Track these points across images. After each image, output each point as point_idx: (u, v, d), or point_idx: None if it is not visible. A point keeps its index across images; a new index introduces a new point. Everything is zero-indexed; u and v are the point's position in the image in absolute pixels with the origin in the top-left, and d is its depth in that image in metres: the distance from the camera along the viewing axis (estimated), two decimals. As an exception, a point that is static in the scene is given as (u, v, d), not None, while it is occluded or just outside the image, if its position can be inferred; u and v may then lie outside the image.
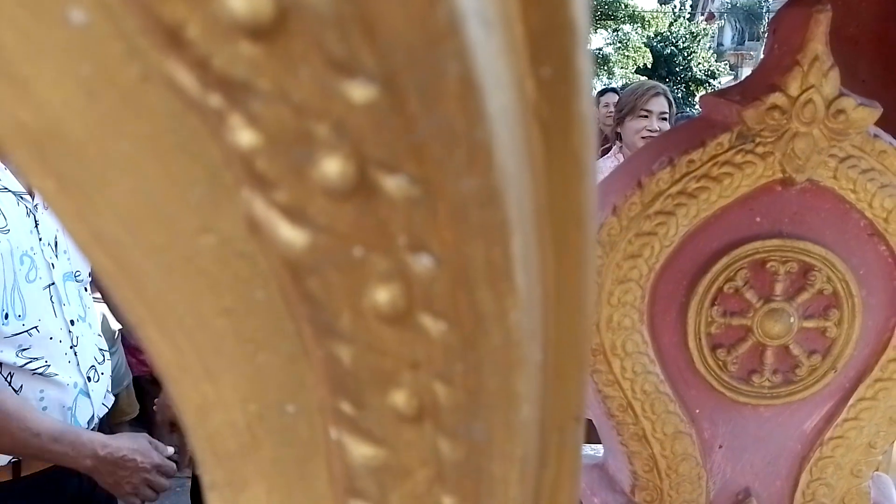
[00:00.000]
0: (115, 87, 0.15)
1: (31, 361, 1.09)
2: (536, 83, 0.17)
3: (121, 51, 0.14)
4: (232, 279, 0.17)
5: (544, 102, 0.17)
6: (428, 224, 0.16)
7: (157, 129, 0.15)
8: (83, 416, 1.19)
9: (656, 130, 2.02)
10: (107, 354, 1.29)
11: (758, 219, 0.60)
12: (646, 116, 2.04)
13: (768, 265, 0.61)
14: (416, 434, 0.19)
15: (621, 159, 2.06)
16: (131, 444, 1.15)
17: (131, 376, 2.61)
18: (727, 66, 16.25)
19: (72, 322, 1.17)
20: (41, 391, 1.11)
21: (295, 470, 0.21)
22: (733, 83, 0.85)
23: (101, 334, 1.30)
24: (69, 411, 1.15)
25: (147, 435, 1.22)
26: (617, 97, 2.87)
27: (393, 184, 0.15)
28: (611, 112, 2.94)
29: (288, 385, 0.19)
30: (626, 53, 13.23)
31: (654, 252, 0.59)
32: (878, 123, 0.57)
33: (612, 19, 12.82)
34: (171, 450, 1.21)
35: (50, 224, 1.15)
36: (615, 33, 13.59)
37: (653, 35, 14.02)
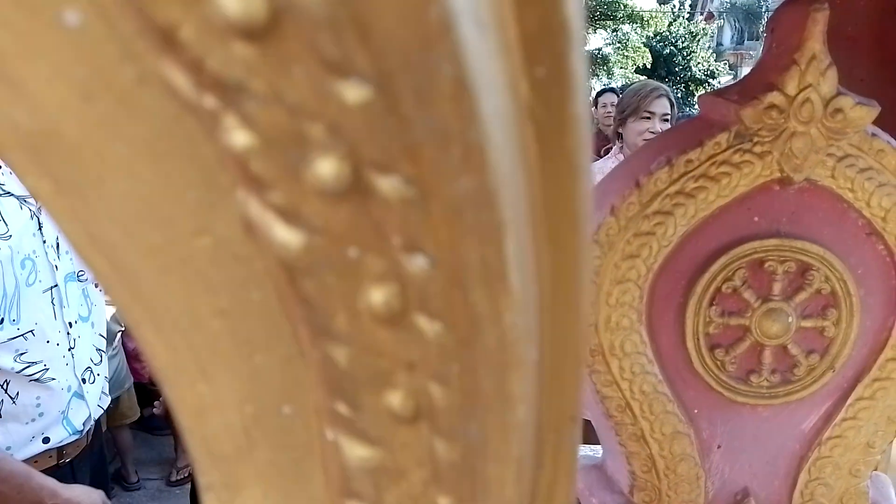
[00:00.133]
0: (111, 89, 0.15)
1: (29, 366, 1.09)
2: (530, 84, 0.17)
3: (116, 53, 0.14)
4: (228, 280, 0.17)
5: (538, 103, 0.17)
6: (422, 225, 0.16)
7: (153, 130, 0.15)
8: (78, 419, 1.19)
9: (658, 133, 2.02)
10: (104, 355, 1.29)
11: (756, 218, 0.60)
12: (648, 118, 2.03)
13: (766, 265, 0.61)
14: (412, 435, 0.19)
15: (622, 160, 2.06)
16: (84, 499, 1.10)
17: (132, 380, 2.61)
18: (726, 66, 16.25)
19: (70, 324, 1.17)
20: (37, 398, 1.11)
21: (291, 471, 0.21)
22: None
23: (104, 334, 1.30)
24: (62, 415, 1.15)
25: (103, 493, 1.16)
26: (615, 97, 2.87)
27: (387, 184, 0.15)
28: (608, 112, 2.94)
29: (284, 386, 0.19)
30: (626, 53, 13.22)
31: (652, 252, 0.60)
32: (877, 122, 0.58)
33: (611, 19, 12.82)
34: None
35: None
36: (614, 33, 13.59)
37: (652, 35, 14.02)
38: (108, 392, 1.31)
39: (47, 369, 1.11)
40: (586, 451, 0.85)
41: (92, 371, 1.23)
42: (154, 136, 0.15)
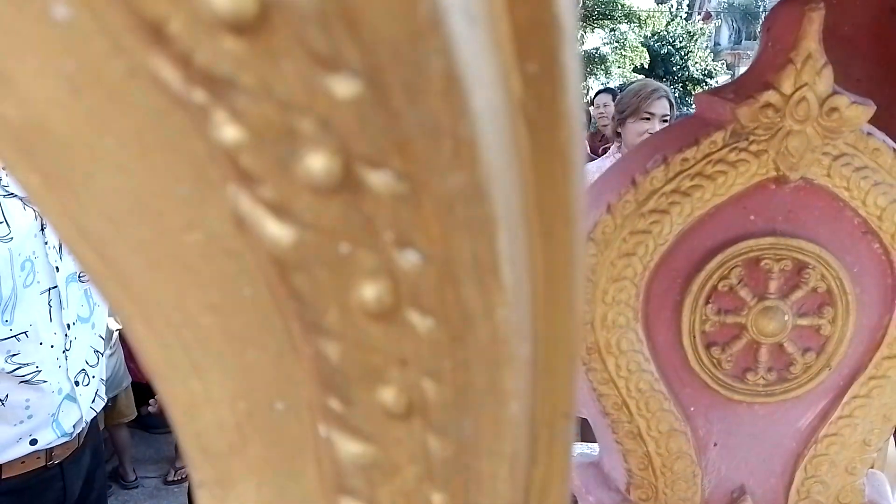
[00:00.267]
0: (99, 83, 0.15)
1: (20, 367, 1.09)
2: (522, 79, 0.17)
3: (104, 47, 0.14)
4: (218, 276, 0.17)
5: (530, 98, 0.17)
6: (414, 220, 0.16)
7: (142, 124, 0.15)
8: (68, 421, 1.18)
9: None
10: (101, 356, 1.28)
11: (752, 217, 0.60)
12: (648, 119, 2.02)
13: (762, 263, 0.61)
14: (405, 431, 0.19)
15: (619, 159, 2.05)
16: None
17: (130, 379, 2.61)
18: (724, 66, 16.27)
19: (69, 325, 1.17)
20: (27, 399, 1.11)
21: (284, 467, 0.21)
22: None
23: (103, 335, 1.30)
24: (52, 417, 1.14)
25: None
26: (612, 97, 2.88)
27: (378, 179, 0.15)
28: (602, 113, 2.95)
29: (276, 382, 0.19)
30: (623, 53, 13.23)
31: (648, 250, 0.60)
32: (872, 121, 0.58)
33: (608, 19, 12.83)
34: None
35: None
36: (612, 33, 13.59)
37: (650, 34, 14.03)
38: (103, 395, 1.31)
39: (39, 371, 1.11)
40: (583, 448, 0.85)
41: (87, 373, 1.23)
42: (143, 131, 0.15)
